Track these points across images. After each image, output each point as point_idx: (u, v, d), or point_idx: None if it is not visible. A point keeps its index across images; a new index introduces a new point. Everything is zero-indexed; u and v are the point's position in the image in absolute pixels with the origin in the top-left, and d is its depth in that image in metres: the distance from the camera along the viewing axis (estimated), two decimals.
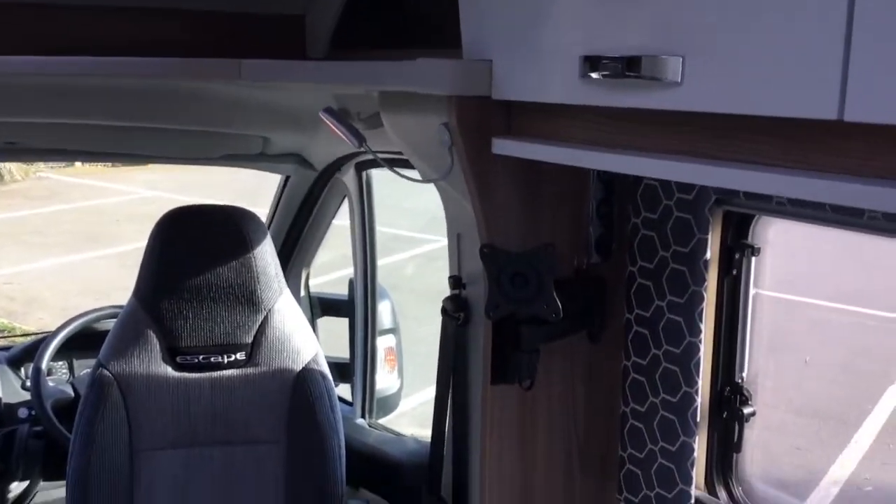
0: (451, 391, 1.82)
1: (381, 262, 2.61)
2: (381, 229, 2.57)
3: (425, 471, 1.97)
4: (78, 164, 14.43)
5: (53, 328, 2.41)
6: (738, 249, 1.57)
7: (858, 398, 5.39)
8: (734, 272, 1.58)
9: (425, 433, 2.17)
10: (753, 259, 1.57)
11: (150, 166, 14.61)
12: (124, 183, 13.33)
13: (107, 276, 8.29)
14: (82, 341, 2.45)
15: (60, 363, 2.55)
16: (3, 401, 2.38)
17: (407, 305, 6.91)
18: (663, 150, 1.19)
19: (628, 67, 1.11)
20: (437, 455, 1.91)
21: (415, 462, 2.19)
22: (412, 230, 9.12)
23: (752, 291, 1.59)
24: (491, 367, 1.65)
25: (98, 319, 2.45)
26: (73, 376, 2.54)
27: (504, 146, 1.48)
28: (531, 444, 1.74)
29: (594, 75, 1.18)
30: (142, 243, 2.05)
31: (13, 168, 13.16)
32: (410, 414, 5.47)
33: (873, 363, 5.78)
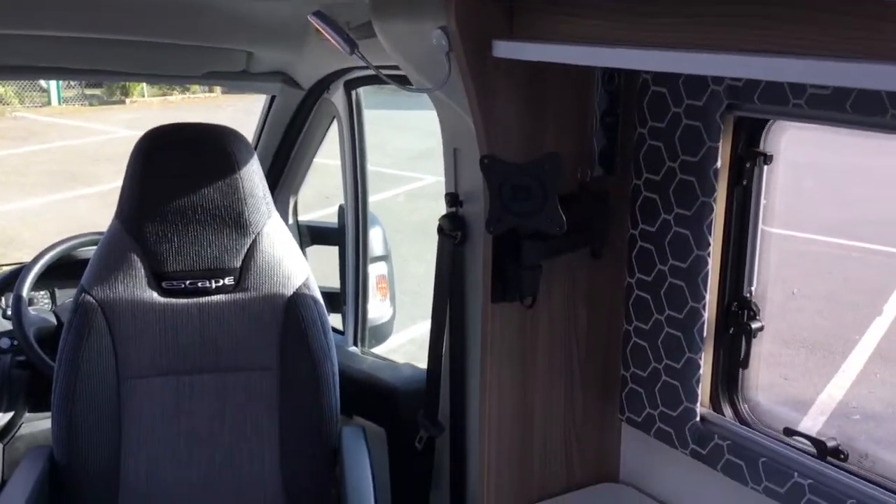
0: (447, 313, 1.77)
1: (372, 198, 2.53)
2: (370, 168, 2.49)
3: (422, 396, 1.92)
4: (55, 103, 14.15)
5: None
6: (749, 158, 1.50)
7: (845, 329, 5.41)
8: (745, 182, 1.52)
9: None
10: (766, 168, 1.50)
11: (129, 105, 14.35)
12: (102, 123, 13.05)
13: (87, 216, 8.15)
14: (64, 270, 2.36)
15: (42, 293, 2.47)
16: None
17: (395, 243, 6.88)
18: (677, 44, 1.12)
19: None
20: (433, 379, 1.87)
21: (411, 388, 2.15)
22: (396, 168, 9.02)
23: (762, 202, 1.53)
24: (491, 285, 1.60)
25: (79, 246, 2.36)
26: (56, 305, 2.46)
27: (505, 48, 1.40)
28: (531, 364, 1.70)
29: None
30: (121, 183, 1.96)
31: None
32: (399, 351, 5.46)
33: (859, 295, 5.80)
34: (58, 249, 2.31)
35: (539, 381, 1.71)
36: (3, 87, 13.59)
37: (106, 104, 14.41)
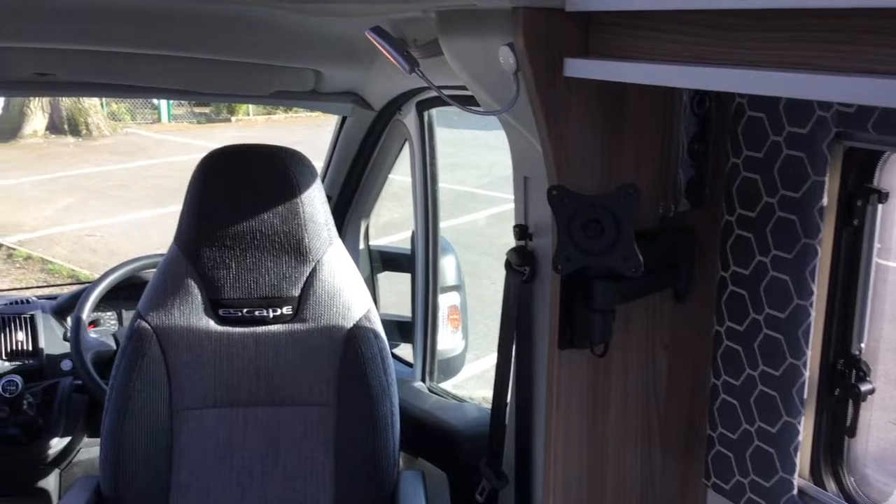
0: (514, 355, 1.62)
1: (455, 221, 2.40)
2: (454, 187, 2.36)
3: (486, 441, 1.77)
4: (164, 120, 14.69)
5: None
6: (861, 195, 1.29)
7: None
8: (855, 222, 1.31)
9: None
10: (880, 207, 1.29)
11: (234, 123, 14.76)
12: (208, 140, 13.45)
13: None
14: (131, 290, 2.33)
15: (109, 313, 2.44)
16: (46, 352, 2.29)
17: (484, 266, 6.74)
18: (780, 64, 0.94)
19: None
20: (498, 425, 1.71)
21: (475, 432, 2.00)
22: (489, 189, 8.90)
23: (876, 246, 1.32)
24: (558, 330, 1.43)
25: (143, 268, 2.32)
26: (122, 326, 2.43)
27: (579, 67, 1.24)
28: (602, 418, 1.52)
29: None
30: None
31: (101, 124, 13.44)
32: (484, 377, 5.31)
33: None
34: (121, 271, 2.28)
35: (612, 439, 1.53)
36: (117, 104, 14.20)
37: (213, 122, 14.87)
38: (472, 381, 5.14)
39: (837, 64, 0.88)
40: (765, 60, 0.96)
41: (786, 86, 0.93)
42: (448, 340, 2.43)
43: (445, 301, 2.40)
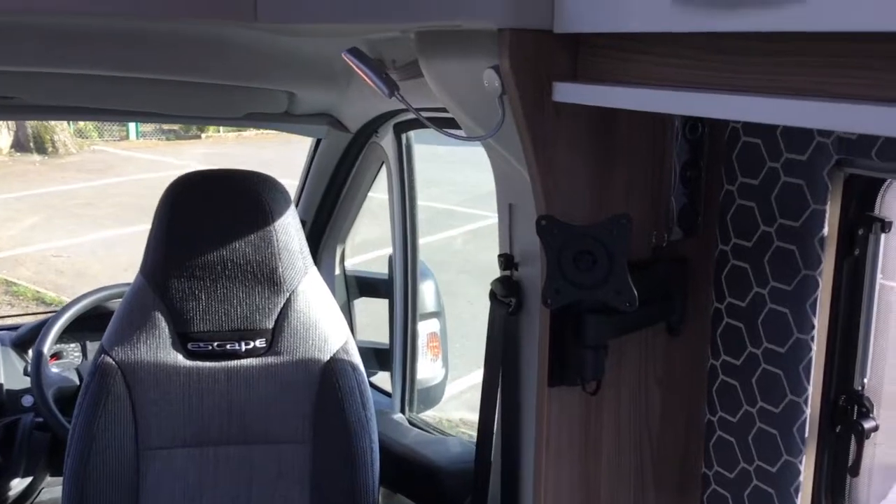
0: (499, 391, 1.54)
1: (432, 238, 2.33)
2: (432, 204, 2.29)
3: (470, 478, 1.70)
4: (133, 137, 14.49)
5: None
6: (862, 224, 1.24)
7: None
8: (856, 252, 1.25)
9: (474, 418, 1.89)
10: (883, 236, 1.24)
11: (204, 140, 14.61)
12: (178, 157, 13.30)
13: None
14: (95, 321, 2.22)
15: (73, 345, 2.34)
16: (6, 387, 2.18)
17: (461, 283, 6.68)
18: (778, 90, 0.89)
19: None
20: (483, 463, 1.64)
21: (458, 468, 1.92)
22: (465, 206, 8.84)
23: (878, 277, 1.26)
24: (548, 365, 1.36)
25: (109, 298, 2.22)
26: (86, 359, 2.32)
27: (568, 92, 1.18)
28: (594, 457, 1.45)
29: None
30: None
31: (67, 141, 13.23)
32: (461, 398, 5.23)
33: None
34: (85, 302, 2.18)
35: (604, 479, 1.46)
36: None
37: (182, 139, 14.70)
38: (450, 402, 5.06)
39: (844, 91, 0.82)
40: (766, 86, 0.91)
41: (789, 113, 0.88)
42: (428, 369, 2.35)
43: (425, 328, 2.33)
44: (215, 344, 1.77)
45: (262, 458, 1.78)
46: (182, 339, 1.76)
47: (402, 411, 2.30)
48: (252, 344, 1.77)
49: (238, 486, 1.77)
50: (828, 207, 1.22)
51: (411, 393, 2.30)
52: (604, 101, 1.13)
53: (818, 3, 0.76)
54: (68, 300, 2.30)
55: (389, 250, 2.28)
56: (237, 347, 1.77)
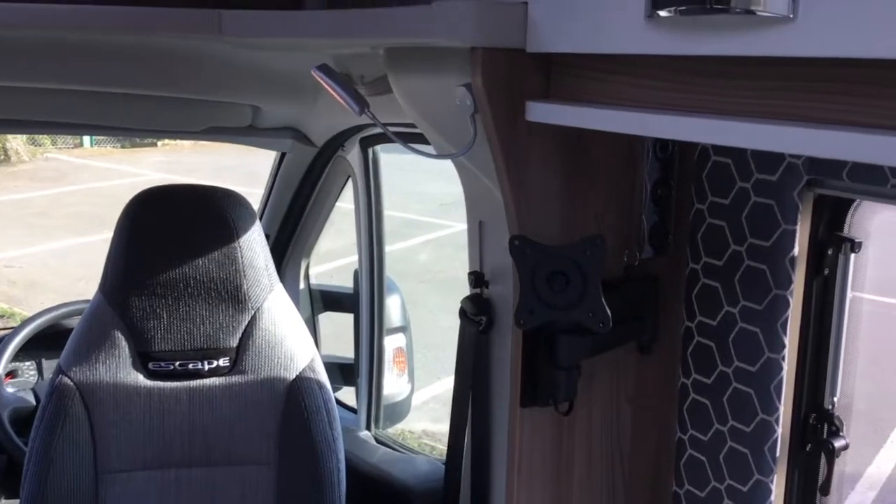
0: (469, 411, 1.52)
1: (391, 247, 2.31)
2: (390, 213, 2.27)
3: (438, 497, 1.67)
4: (87, 145, 14.22)
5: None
6: (832, 244, 1.25)
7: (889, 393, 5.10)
8: (826, 272, 1.26)
9: (436, 429, 1.87)
10: (852, 256, 1.25)
11: (160, 148, 14.38)
12: (133, 165, 13.08)
13: None
14: (52, 339, 2.16)
15: (28, 363, 2.27)
16: None
17: (422, 293, 6.66)
18: (751, 113, 0.89)
19: None
20: (453, 482, 1.61)
21: (427, 487, 1.90)
22: (427, 215, 8.83)
23: (848, 296, 1.27)
24: (521, 386, 1.35)
25: (66, 316, 2.16)
26: (42, 378, 2.26)
27: (541, 111, 1.17)
28: (566, 478, 1.44)
29: (663, 13, 0.89)
30: None
31: (20, 149, 12.94)
32: (424, 408, 5.20)
33: None
34: (41, 320, 2.12)
35: (576, 501, 1.45)
36: None
37: (138, 146, 14.45)
38: (412, 413, 5.03)
39: (822, 115, 0.82)
40: (741, 110, 0.90)
41: (760, 138, 0.87)
42: (394, 384, 2.33)
43: (391, 343, 2.30)
44: (177, 363, 1.72)
45: (225, 481, 1.74)
46: (143, 359, 1.71)
47: (368, 428, 2.27)
48: (215, 363, 1.73)
49: None
50: (798, 227, 1.23)
51: (377, 409, 2.27)
52: (577, 121, 1.12)
53: (809, 24, 0.76)
54: (20, 311, 2.23)
55: (349, 259, 2.25)
56: (200, 367, 1.73)
